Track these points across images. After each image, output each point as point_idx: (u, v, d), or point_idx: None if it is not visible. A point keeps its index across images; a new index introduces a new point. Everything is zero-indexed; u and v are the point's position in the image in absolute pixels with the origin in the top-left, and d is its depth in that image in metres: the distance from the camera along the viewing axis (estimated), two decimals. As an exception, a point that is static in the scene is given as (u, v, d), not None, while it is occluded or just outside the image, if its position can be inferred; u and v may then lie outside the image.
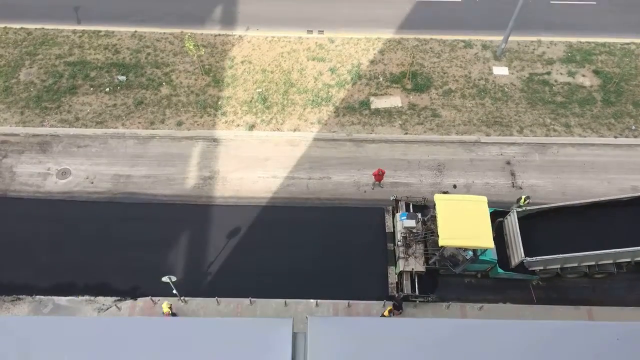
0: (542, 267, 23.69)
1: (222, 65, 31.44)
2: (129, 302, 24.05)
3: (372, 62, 31.89)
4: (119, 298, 24.15)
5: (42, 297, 24.05)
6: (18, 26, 32.73)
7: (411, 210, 25.49)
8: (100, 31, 32.68)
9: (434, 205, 23.45)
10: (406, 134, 29.15)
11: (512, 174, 27.98)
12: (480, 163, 28.40)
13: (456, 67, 31.82)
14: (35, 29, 32.61)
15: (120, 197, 26.87)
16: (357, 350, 18.70)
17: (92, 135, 28.70)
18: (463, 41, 32.92)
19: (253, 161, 28.11)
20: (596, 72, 31.70)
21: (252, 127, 29.14)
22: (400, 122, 29.51)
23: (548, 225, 24.19)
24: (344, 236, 25.73)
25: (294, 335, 19.09)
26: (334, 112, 29.76)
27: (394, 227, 25.52)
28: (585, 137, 29.24)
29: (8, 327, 19.63)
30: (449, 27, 33.46)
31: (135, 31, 32.80)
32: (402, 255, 24.00)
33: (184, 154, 28.26)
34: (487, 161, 28.48)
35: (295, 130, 29.16)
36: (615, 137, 29.31)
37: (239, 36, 32.89)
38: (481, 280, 24.94)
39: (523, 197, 25.67)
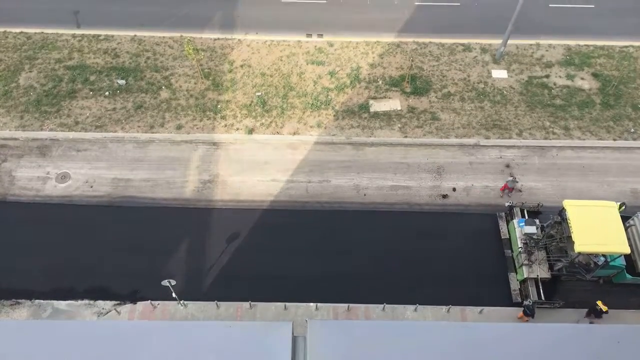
0: None
1: (222, 69, 31.48)
2: (128, 306, 24.00)
3: (371, 65, 31.94)
4: (119, 302, 24.10)
5: (42, 301, 24.00)
6: (17, 30, 32.77)
7: (526, 216, 25.43)
8: (99, 35, 32.73)
9: (561, 210, 23.55)
10: (405, 137, 29.17)
11: (512, 177, 27.98)
12: (479, 166, 28.42)
13: (455, 70, 31.87)
14: (35, 33, 32.65)
15: (120, 201, 26.86)
16: (357, 353, 18.67)
17: (91, 139, 28.70)
18: (462, 44, 32.98)
19: (252, 165, 28.12)
20: (595, 75, 31.74)
21: (251, 130, 29.16)
22: (399, 125, 29.54)
23: None
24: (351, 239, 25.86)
25: (294, 339, 19.05)
26: (334, 116, 29.79)
27: (509, 233, 25.62)
28: (584, 139, 29.27)
29: (7, 331, 19.60)
30: (448, 30, 33.50)
31: (135, 35, 32.85)
32: (525, 262, 23.87)
33: (183, 158, 28.27)
34: (486, 164, 28.50)
35: (294, 133, 29.18)
36: (614, 139, 29.34)
37: (238, 40, 32.94)
38: (592, 284, 24.67)
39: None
